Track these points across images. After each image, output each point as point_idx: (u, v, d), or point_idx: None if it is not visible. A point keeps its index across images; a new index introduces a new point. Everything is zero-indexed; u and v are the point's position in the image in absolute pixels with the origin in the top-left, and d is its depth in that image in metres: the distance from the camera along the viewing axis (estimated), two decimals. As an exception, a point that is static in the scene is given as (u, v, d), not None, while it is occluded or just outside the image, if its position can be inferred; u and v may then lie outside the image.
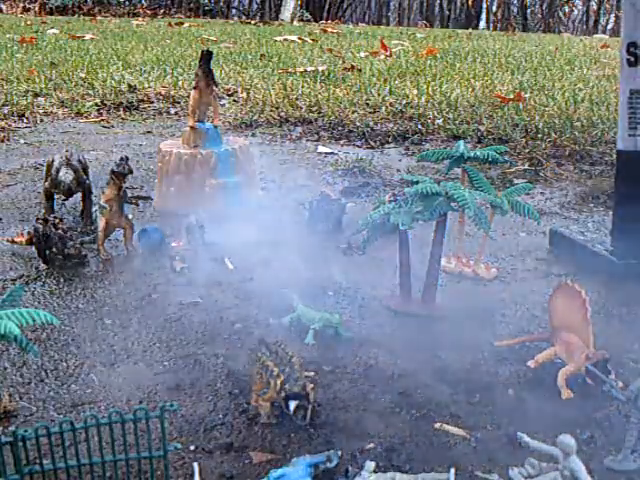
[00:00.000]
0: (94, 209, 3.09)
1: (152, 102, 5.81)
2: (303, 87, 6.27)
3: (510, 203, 2.49)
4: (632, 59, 2.40)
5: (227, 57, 8.32)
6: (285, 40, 10.93)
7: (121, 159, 2.70)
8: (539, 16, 22.24)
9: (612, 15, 21.75)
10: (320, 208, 3.04)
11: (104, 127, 5.08)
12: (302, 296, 2.29)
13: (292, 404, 1.69)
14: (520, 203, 2.50)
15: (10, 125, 4.99)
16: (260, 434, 1.69)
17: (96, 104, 5.64)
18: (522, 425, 1.70)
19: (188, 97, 3.57)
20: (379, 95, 5.95)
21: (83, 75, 6.71)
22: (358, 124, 4.99)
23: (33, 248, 2.70)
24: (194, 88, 3.28)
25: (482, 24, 23.12)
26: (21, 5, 18.07)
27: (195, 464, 1.54)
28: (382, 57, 8.78)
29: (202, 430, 1.70)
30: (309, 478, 1.49)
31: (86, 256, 2.69)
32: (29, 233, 2.77)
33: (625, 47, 2.41)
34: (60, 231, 2.64)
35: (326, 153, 4.37)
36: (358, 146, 4.58)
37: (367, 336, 2.18)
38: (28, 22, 13.03)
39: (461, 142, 2.68)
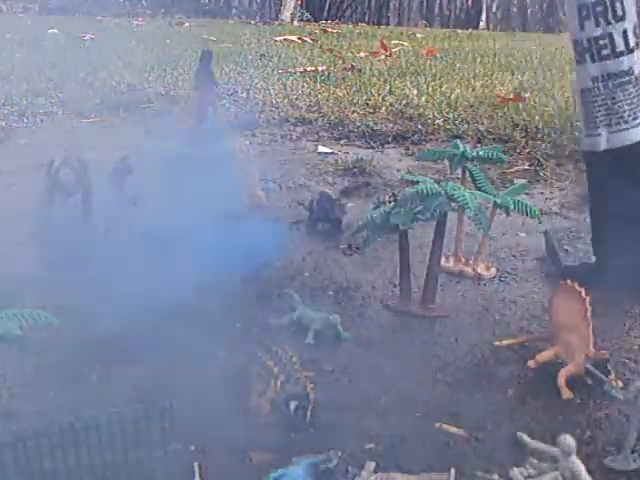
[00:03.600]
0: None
1: (152, 102, 5.80)
2: (303, 87, 6.26)
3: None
4: (578, 57, 2.34)
5: (227, 57, 8.31)
6: (285, 40, 10.91)
7: (121, 159, 2.70)
8: (539, 16, 22.23)
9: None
10: (320, 208, 3.04)
11: (104, 127, 5.07)
12: (302, 296, 2.29)
13: (292, 404, 1.69)
14: (522, 202, 2.51)
15: (10, 125, 4.98)
16: (260, 434, 1.69)
17: (96, 104, 5.63)
18: (522, 425, 1.70)
19: (188, 97, 3.56)
20: (379, 95, 5.94)
21: (83, 75, 6.70)
22: (358, 124, 4.98)
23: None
24: (194, 88, 3.28)
25: (482, 24, 23.09)
26: (21, 5, 18.05)
27: (195, 464, 1.54)
28: (382, 57, 8.77)
29: (202, 430, 1.70)
30: (309, 478, 1.49)
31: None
32: None
33: (573, 46, 2.35)
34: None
35: (326, 153, 4.36)
36: (358, 146, 4.57)
37: (367, 336, 2.18)
38: (28, 22, 13.00)
39: (457, 141, 2.68)
